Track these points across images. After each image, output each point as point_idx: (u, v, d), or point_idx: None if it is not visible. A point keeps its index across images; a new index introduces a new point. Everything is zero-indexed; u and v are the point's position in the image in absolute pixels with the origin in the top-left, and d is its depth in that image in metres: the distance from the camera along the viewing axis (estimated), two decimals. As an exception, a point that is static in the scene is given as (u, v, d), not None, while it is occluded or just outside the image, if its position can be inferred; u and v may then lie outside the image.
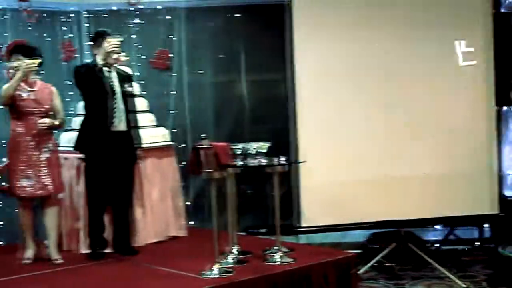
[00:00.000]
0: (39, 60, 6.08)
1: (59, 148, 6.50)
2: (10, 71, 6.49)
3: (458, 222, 7.65)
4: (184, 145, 7.67)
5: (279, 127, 7.69)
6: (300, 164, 7.00)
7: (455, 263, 7.46)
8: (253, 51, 7.97)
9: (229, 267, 5.56)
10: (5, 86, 6.06)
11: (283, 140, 7.29)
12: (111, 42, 6.12)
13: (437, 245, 7.90)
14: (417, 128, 7.34)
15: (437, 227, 7.99)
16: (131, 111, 6.33)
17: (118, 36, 6.24)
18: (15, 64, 6.13)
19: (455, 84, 7.38)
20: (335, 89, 7.32)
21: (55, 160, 6.22)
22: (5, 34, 7.16)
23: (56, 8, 7.58)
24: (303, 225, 7.33)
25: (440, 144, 7.33)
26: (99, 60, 6.15)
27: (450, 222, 7.69)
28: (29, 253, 6.22)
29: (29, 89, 6.09)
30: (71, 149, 6.45)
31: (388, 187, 7.25)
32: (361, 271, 6.93)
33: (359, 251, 7.36)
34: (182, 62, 7.93)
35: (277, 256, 5.82)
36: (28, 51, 6.15)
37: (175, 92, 7.91)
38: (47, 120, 6.09)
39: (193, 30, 7.94)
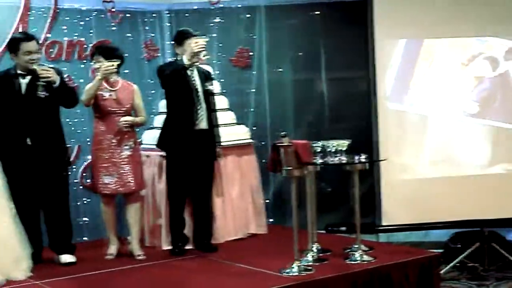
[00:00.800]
0: (117, 62, 6.14)
1: (142, 146, 6.61)
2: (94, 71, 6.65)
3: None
4: (263, 142, 7.67)
5: (360, 125, 7.62)
6: (381, 162, 6.95)
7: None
8: (333, 49, 7.89)
9: (309, 265, 5.56)
10: (87, 87, 6.18)
11: (364, 138, 7.23)
12: (198, 43, 6.03)
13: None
14: (502, 125, 7.21)
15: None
16: (212, 109, 6.37)
17: (204, 36, 6.21)
18: (96, 65, 6.25)
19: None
20: (416, 86, 7.24)
21: (137, 158, 6.32)
22: (90, 35, 7.30)
23: (139, 8, 7.68)
24: (384, 223, 7.26)
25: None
26: (185, 60, 6.11)
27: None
28: (112, 249, 6.34)
29: (110, 88, 6.20)
30: (153, 146, 6.54)
31: (471, 185, 7.14)
32: (443, 271, 6.83)
33: (441, 250, 7.23)
34: (262, 60, 7.92)
35: (357, 255, 5.79)
36: (108, 52, 6.24)
37: (255, 90, 7.93)
38: (128, 118, 6.18)
39: (273, 28, 7.93)
